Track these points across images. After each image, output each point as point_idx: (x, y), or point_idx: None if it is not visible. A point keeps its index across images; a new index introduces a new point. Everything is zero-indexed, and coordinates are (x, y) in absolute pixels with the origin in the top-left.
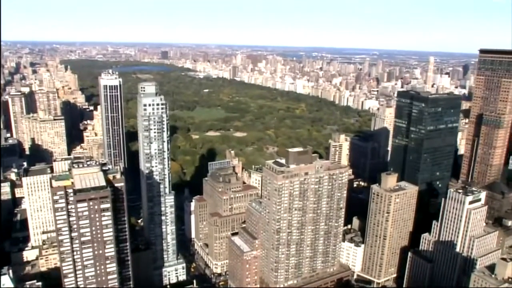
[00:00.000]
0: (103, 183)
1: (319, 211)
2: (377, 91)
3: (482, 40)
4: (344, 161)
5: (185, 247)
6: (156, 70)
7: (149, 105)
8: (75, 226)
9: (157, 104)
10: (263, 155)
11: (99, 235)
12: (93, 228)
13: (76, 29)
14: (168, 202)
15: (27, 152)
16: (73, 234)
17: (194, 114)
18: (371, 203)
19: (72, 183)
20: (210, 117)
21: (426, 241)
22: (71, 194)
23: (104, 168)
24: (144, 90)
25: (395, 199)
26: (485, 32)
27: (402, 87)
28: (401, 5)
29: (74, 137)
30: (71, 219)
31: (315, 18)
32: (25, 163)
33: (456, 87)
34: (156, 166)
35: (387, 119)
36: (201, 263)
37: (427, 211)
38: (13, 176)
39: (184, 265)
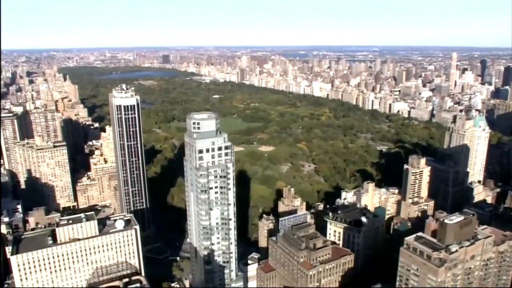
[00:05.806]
0: None
1: None
2: (399, 91)
3: (474, 34)
4: (424, 191)
5: None
6: (159, 76)
7: (208, 151)
8: None
9: (219, 149)
10: (303, 177)
11: None
12: None
13: (73, 35)
14: None
15: (23, 186)
16: None
17: None
18: None
19: None
20: (228, 129)
21: None
22: None
23: None
24: (198, 128)
25: None
26: (477, 26)
27: (424, 86)
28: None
29: (79, 163)
30: None
31: (309, 16)
32: (19, 206)
33: (483, 84)
34: (218, 244)
35: (468, 134)
36: None
37: None
38: (3, 229)
39: None
